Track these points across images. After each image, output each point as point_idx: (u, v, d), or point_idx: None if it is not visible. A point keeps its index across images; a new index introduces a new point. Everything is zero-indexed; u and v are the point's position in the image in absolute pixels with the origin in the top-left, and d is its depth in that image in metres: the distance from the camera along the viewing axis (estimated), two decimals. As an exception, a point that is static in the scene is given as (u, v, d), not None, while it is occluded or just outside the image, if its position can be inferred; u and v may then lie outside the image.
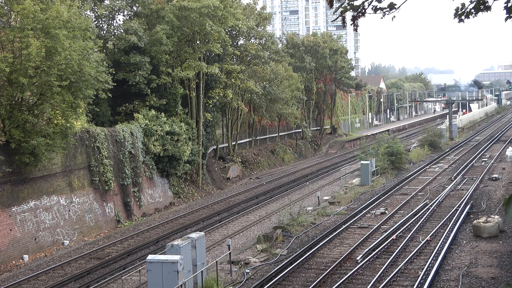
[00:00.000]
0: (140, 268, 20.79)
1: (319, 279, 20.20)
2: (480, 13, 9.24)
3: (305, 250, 24.28)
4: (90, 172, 30.53)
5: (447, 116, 77.95)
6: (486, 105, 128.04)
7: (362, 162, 42.67)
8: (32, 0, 24.80)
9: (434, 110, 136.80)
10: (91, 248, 26.84)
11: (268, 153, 57.11)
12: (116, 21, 39.52)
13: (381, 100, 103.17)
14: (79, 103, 27.72)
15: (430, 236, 25.77)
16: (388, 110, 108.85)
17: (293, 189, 42.29)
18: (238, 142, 52.46)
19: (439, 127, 75.26)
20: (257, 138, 58.01)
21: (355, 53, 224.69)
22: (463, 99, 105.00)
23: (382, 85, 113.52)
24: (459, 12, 9.27)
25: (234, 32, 47.10)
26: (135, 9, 40.24)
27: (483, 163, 50.44)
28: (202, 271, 19.86)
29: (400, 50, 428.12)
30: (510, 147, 54.46)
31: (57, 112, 26.72)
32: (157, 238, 28.18)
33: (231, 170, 47.79)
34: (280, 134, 62.82)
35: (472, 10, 9.19)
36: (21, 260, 25.07)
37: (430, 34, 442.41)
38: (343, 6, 9.23)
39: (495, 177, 41.62)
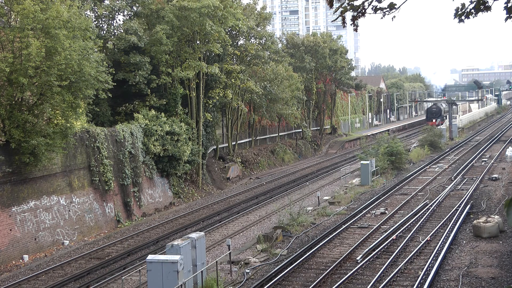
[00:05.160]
0: (140, 268, 20.79)
1: (319, 279, 20.21)
2: (480, 13, 9.24)
3: (305, 250, 24.28)
4: (90, 172, 30.53)
5: (447, 116, 77.92)
6: (486, 105, 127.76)
7: (362, 162, 42.66)
8: (32, 0, 24.80)
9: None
10: (91, 248, 26.84)
11: (268, 153, 57.11)
12: (116, 21, 39.56)
13: (381, 100, 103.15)
14: (79, 103, 27.73)
15: (430, 236, 25.77)
16: (388, 110, 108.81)
17: (293, 189, 42.28)
18: (238, 142, 52.46)
19: (439, 127, 75.23)
20: (257, 138, 58.01)
21: (355, 53, 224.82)
22: (462, 99, 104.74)
23: (382, 85, 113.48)
24: (459, 12, 9.27)
25: (234, 32, 47.10)
26: (135, 9, 40.24)
27: (483, 163, 50.44)
28: (202, 271, 19.87)
29: (400, 50, 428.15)
30: (510, 147, 54.46)
31: (57, 112, 26.73)
32: (157, 238, 28.19)
33: (231, 170, 47.79)
34: (280, 134, 62.82)
35: (472, 10, 9.19)
36: (21, 260, 25.07)
37: (430, 34, 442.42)
38: (343, 6, 9.22)
39: (495, 177, 41.62)
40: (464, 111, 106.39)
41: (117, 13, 38.58)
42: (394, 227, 27.64)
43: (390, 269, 21.48)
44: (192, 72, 38.70)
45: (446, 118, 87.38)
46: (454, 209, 31.05)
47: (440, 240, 24.84)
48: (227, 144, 50.69)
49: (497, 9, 9.71)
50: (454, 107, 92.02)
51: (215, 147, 48.10)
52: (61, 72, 25.46)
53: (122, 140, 33.21)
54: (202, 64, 39.00)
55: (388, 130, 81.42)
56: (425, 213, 30.42)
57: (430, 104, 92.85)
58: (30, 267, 24.24)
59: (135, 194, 34.03)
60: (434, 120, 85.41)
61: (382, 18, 9.18)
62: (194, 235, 20.50)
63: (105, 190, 31.44)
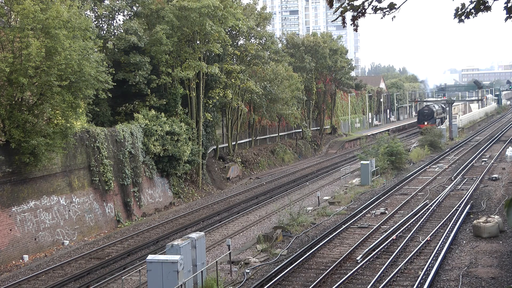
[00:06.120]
0: (140, 268, 20.79)
1: (319, 279, 20.21)
2: (480, 13, 9.24)
3: (305, 250, 24.28)
4: (90, 172, 30.53)
5: (447, 116, 77.86)
6: (486, 105, 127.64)
7: (362, 162, 42.66)
8: (32, 0, 24.80)
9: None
10: (91, 248, 26.84)
11: (268, 153, 57.11)
12: (116, 21, 39.57)
13: (381, 100, 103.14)
14: (79, 103, 27.74)
15: (430, 236, 25.77)
16: (388, 110, 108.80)
17: (293, 189, 42.28)
18: (238, 142, 52.46)
19: (439, 127, 75.19)
20: (257, 138, 58.02)
21: (355, 53, 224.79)
22: (462, 99, 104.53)
23: (382, 85, 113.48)
24: (459, 12, 9.27)
25: (234, 32, 47.10)
26: (135, 9, 40.25)
27: (483, 163, 50.43)
28: (202, 271, 19.87)
29: (400, 50, 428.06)
30: (510, 147, 54.45)
31: (57, 112, 26.74)
32: (157, 238, 28.19)
33: (231, 170, 47.79)
34: (280, 134, 62.82)
35: (472, 10, 9.18)
36: (21, 260, 25.07)
37: (430, 34, 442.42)
38: (343, 6, 9.22)
39: (495, 177, 41.62)
40: (464, 111, 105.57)
41: (117, 13, 38.58)
42: (394, 227, 27.63)
43: (390, 269, 21.48)
44: (192, 72, 38.69)
45: (445, 119, 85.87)
46: (454, 209, 31.04)
47: (440, 240, 24.83)
48: (227, 144, 50.69)
49: (497, 9, 9.71)
50: (448, 108, 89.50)
51: (215, 147, 48.11)
52: (61, 72, 25.46)
53: (122, 140, 33.21)
54: (202, 64, 39.00)
55: (388, 130, 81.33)
56: (425, 213, 30.42)
57: (435, 104, 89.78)
58: (30, 267, 24.23)
59: (135, 194, 34.03)
60: (426, 123, 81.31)
61: (382, 18, 9.18)
62: (194, 235, 20.50)
63: (105, 190, 31.44)
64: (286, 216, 29.69)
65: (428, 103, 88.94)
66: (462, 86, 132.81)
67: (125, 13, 39.79)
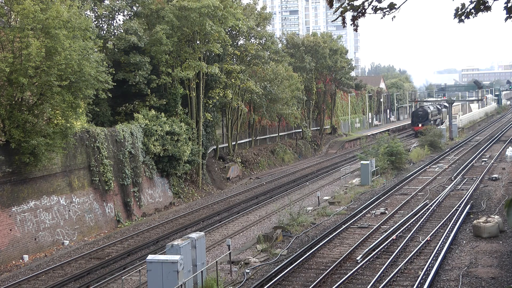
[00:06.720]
0: (140, 268, 20.79)
1: (319, 279, 20.21)
2: (480, 13, 9.24)
3: (305, 250, 24.28)
4: (90, 172, 30.53)
5: (447, 116, 77.85)
6: (486, 105, 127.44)
7: (362, 162, 42.66)
8: (32, 0, 24.81)
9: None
10: (91, 248, 26.84)
11: (268, 153, 57.10)
12: (116, 21, 39.57)
13: (381, 100, 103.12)
14: (79, 103, 27.74)
15: (430, 236, 25.77)
16: (388, 110, 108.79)
17: (293, 189, 42.28)
18: (238, 142, 52.46)
19: (439, 127, 75.18)
20: (257, 138, 58.01)
21: (355, 53, 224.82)
22: (462, 99, 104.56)
23: (382, 85, 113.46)
24: (459, 12, 9.27)
25: (234, 32, 47.10)
26: (135, 9, 40.25)
27: (483, 163, 50.43)
28: (202, 271, 19.87)
29: (400, 51, 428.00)
30: (510, 147, 54.45)
31: (57, 112, 26.74)
32: (157, 238, 28.19)
33: (231, 170, 47.79)
34: (280, 134, 62.82)
35: (472, 10, 9.18)
36: (21, 260, 25.07)
37: (430, 34, 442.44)
38: (343, 6, 9.22)
39: (495, 177, 41.61)
40: (463, 111, 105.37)
41: (117, 13, 38.58)
42: (394, 227, 27.64)
43: (390, 269, 21.48)
44: (192, 72, 38.69)
45: (444, 120, 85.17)
46: (454, 209, 31.04)
47: (440, 240, 24.84)
48: (227, 144, 50.69)
49: (497, 9, 9.71)
50: (444, 109, 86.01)
51: (215, 147, 48.10)
52: (61, 72, 25.46)
53: (122, 140, 33.21)
54: (202, 64, 39.00)
55: (388, 130, 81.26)
56: (425, 213, 30.42)
57: (430, 105, 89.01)
58: (30, 267, 24.24)
59: (135, 194, 34.03)
60: (420, 125, 77.62)
61: (382, 18, 9.18)
62: (194, 235, 20.51)
63: (105, 190, 31.44)
64: (286, 216, 29.69)
65: (423, 104, 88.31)
66: (462, 86, 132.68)
67: (125, 13, 39.80)
